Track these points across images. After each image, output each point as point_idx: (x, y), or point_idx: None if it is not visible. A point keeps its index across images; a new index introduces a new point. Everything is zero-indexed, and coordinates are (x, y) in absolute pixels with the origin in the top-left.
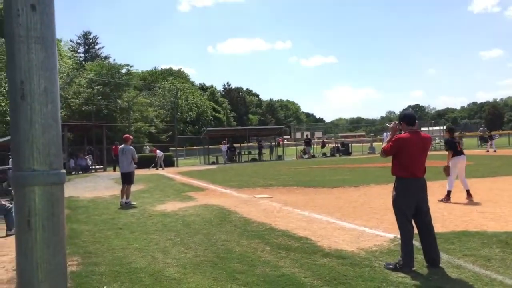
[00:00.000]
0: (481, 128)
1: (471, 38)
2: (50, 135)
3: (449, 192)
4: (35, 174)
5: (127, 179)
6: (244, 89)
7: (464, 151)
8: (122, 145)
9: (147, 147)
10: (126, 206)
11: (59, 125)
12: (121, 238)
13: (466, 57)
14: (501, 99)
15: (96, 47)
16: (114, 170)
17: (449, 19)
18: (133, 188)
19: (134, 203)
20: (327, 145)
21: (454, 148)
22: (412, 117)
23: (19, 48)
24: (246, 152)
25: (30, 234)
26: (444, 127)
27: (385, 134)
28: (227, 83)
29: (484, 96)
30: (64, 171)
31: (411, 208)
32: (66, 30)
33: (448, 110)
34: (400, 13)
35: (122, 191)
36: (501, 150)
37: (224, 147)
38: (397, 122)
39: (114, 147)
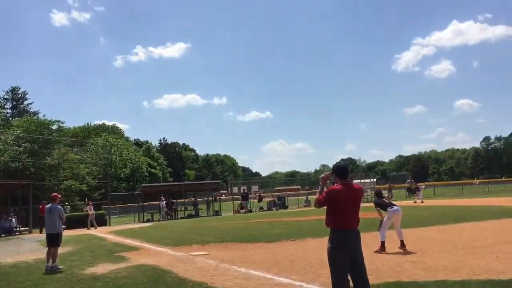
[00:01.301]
0: (408, 180)
1: (395, 95)
2: None
3: (382, 243)
4: None
5: (53, 240)
6: (181, 144)
7: (394, 202)
8: (49, 204)
9: (68, 206)
10: (52, 270)
11: None
12: None
13: (392, 113)
14: (425, 152)
15: (25, 102)
16: (41, 231)
17: (375, 77)
18: (61, 250)
19: (61, 267)
20: (264, 199)
21: (383, 205)
22: (345, 169)
23: None
24: (183, 208)
25: None
26: (374, 179)
27: (320, 182)
28: (163, 138)
29: (410, 149)
30: None
31: (346, 260)
32: None
33: (378, 163)
34: (330, 70)
35: (48, 254)
36: (427, 200)
37: (162, 203)
38: (327, 172)
39: (41, 206)
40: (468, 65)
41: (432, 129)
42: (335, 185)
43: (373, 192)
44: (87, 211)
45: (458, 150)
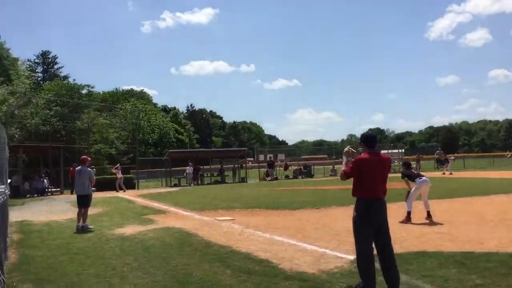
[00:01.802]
0: (438, 151)
1: (427, 64)
2: None
3: (409, 213)
4: None
5: (83, 201)
6: (208, 111)
7: (422, 173)
8: (79, 167)
9: (94, 169)
10: (83, 230)
11: None
12: (76, 263)
13: (423, 83)
14: (456, 123)
15: (55, 66)
16: (72, 193)
17: (407, 45)
18: (91, 211)
19: (91, 227)
20: (289, 168)
21: (411, 176)
22: (372, 138)
23: None
24: (209, 174)
25: None
26: (403, 150)
27: (344, 157)
28: (191, 105)
29: (440, 120)
30: None
31: (371, 229)
32: (25, 50)
33: (406, 134)
34: (362, 38)
35: (78, 215)
36: (456, 172)
37: (190, 169)
38: (349, 146)
39: (71, 169)
40: (505, 34)
41: (464, 99)
42: (363, 154)
43: (401, 163)
44: (115, 173)
45: (490, 121)
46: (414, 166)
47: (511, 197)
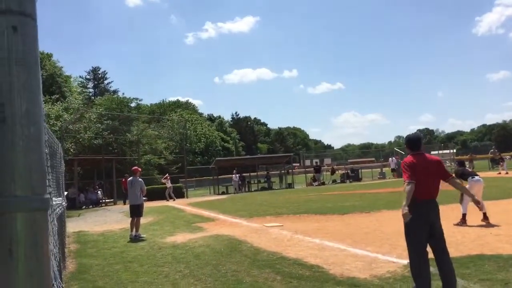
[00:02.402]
0: (492, 150)
1: (476, 60)
2: (33, 158)
3: (464, 215)
4: (17, 200)
5: (136, 211)
6: (252, 118)
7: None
8: (130, 178)
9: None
10: (136, 239)
11: (43, 147)
12: (130, 271)
13: (473, 80)
14: (510, 120)
15: (105, 81)
16: (124, 203)
17: (453, 42)
18: (143, 220)
19: (144, 235)
20: (336, 172)
21: (465, 175)
22: (416, 140)
23: (0, 70)
24: (256, 181)
25: (11, 264)
26: (454, 150)
27: (390, 159)
28: (235, 113)
29: (493, 118)
30: (48, 196)
31: (423, 231)
32: (76, 66)
33: (457, 133)
34: (405, 37)
35: (131, 224)
36: None
37: (235, 177)
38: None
39: (123, 180)
40: None
41: None
42: (407, 157)
43: (453, 163)
44: (164, 183)
45: None
46: (467, 166)
47: None
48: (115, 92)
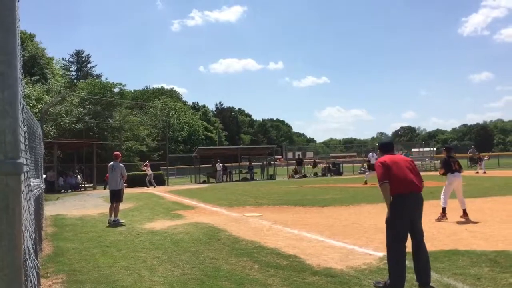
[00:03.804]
0: (471, 150)
1: (461, 60)
2: (6, 122)
3: (443, 209)
4: None
5: (116, 196)
6: (236, 108)
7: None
8: (111, 162)
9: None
10: (114, 224)
11: (17, 111)
12: (108, 256)
13: (456, 80)
14: (491, 121)
15: (89, 65)
16: (105, 188)
17: (439, 41)
18: (122, 206)
19: (123, 221)
20: (318, 165)
21: (447, 166)
22: (387, 144)
23: None
24: (237, 172)
25: None
26: (435, 149)
27: (370, 154)
28: (220, 102)
29: (474, 118)
30: (21, 161)
31: (405, 225)
32: (59, 49)
33: (438, 132)
34: (392, 34)
35: (110, 209)
36: (490, 171)
37: (218, 166)
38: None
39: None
40: None
41: (499, 97)
42: (380, 157)
43: (433, 161)
44: (144, 170)
45: None
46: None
47: None
48: (98, 76)
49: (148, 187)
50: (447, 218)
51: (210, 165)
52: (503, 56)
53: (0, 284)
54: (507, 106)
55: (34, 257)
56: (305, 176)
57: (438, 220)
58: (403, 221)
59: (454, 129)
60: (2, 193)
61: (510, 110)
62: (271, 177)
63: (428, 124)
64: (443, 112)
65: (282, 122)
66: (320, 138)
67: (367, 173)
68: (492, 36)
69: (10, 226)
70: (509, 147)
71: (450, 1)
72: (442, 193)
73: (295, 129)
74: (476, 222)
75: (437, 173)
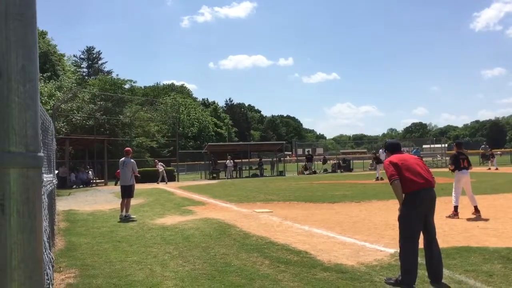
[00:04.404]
0: (483, 146)
1: (473, 56)
2: (28, 115)
3: (455, 207)
4: (10, 156)
5: (127, 192)
6: (246, 105)
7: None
8: (123, 158)
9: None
10: (126, 219)
11: (37, 105)
12: (120, 251)
13: (468, 75)
14: (503, 117)
15: (99, 62)
16: (116, 184)
17: (451, 37)
18: (133, 202)
19: (134, 216)
20: (328, 161)
21: (456, 163)
22: (394, 145)
23: None
24: (247, 168)
25: (3, 219)
26: (446, 145)
27: (381, 150)
28: (229, 99)
29: (485, 114)
30: (41, 154)
31: (418, 221)
32: (70, 46)
33: (450, 128)
34: (402, 30)
35: (121, 205)
36: (503, 167)
37: (229, 162)
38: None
39: (118, 171)
40: None
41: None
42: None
43: (444, 158)
44: (158, 169)
45: None
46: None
47: None
48: (109, 73)
49: (158, 183)
50: (458, 217)
51: (210, 161)
52: None
53: (21, 275)
54: None
55: (49, 251)
56: (315, 172)
57: (450, 217)
58: (416, 218)
59: (465, 125)
60: (24, 185)
61: None
62: (281, 173)
63: (439, 120)
64: (454, 108)
65: (292, 118)
66: (330, 135)
67: (378, 169)
68: (505, 31)
69: (31, 219)
70: None
71: None
72: (453, 191)
73: (305, 125)
74: (487, 219)
75: (448, 169)
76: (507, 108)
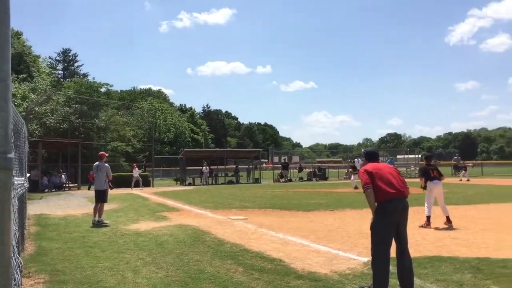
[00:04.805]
0: (455, 157)
1: (447, 69)
2: (0, 116)
3: (428, 217)
4: None
5: (100, 197)
6: (223, 111)
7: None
8: (97, 162)
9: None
10: (98, 224)
11: (10, 106)
12: (91, 256)
13: (443, 88)
14: (475, 130)
15: (76, 64)
16: (89, 188)
17: (427, 50)
18: (107, 207)
19: (107, 221)
20: (304, 170)
21: (426, 175)
22: (372, 153)
23: None
24: (223, 174)
25: None
26: (420, 155)
27: (356, 159)
28: (207, 105)
29: (458, 126)
30: (12, 156)
31: (390, 230)
32: (46, 47)
33: (423, 139)
34: (380, 41)
35: (95, 209)
36: (474, 179)
37: (205, 169)
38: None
39: (91, 173)
40: None
41: (484, 106)
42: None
43: (417, 168)
44: (133, 174)
45: (510, 129)
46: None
47: None
48: (85, 76)
49: (132, 188)
50: (431, 227)
51: (178, 167)
52: (488, 66)
53: None
54: (491, 115)
55: (17, 255)
56: (290, 180)
57: (423, 227)
58: (388, 227)
59: (439, 137)
60: None
61: (494, 119)
62: (257, 181)
63: (413, 131)
64: (428, 120)
65: (269, 126)
66: (306, 143)
67: (352, 178)
68: (478, 46)
69: (1, 220)
70: (492, 155)
71: (438, 10)
72: (425, 202)
73: (282, 133)
74: (459, 229)
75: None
76: (479, 121)
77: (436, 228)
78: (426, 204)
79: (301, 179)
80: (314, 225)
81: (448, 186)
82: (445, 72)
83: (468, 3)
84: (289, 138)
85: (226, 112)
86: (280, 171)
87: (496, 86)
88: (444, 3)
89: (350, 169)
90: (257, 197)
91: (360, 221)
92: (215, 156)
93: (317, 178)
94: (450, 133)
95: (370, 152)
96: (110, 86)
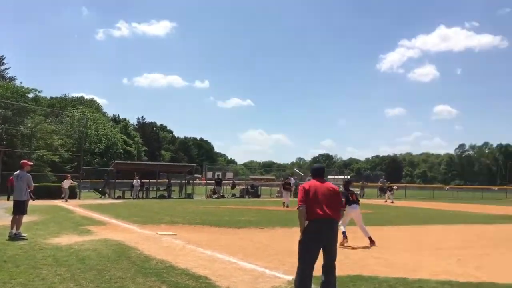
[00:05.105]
0: (381, 180)
1: (377, 94)
2: None
3: (344, 233)
4: None
5: (19, 208)
6: (158, 124)
7: (363, 200)
8: (17, 171)
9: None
10: (15, 237)
11: None
12: (4, 271)
13: (373, 112)
14: (400, 154)
15: (2, 67)
16: (8, 199)
17: (359, 74)
18: (27, 219)
19: (25, 234)
20: (237, 186)
21: (346, 198)
22: (317, 169)
23: None
24: (155, 188)
25: None
26: (348, 176)
27: (291, 178)
28: (142, 117)
29: (386, 150)
30: None
31: (315, 249)
32: None
33: (353, 161)
34: (315, 62)
35: (12, 221)
36: (398, 201)
37: (136, 182)
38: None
39: (10, 178)
40: (451, 71)
41: (410, 132)
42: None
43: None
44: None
45: (432, 154)
46: (358, 192)
47: (447, 227)
48: (11, 79)
49: (66, 200)
50: (347, 243)
51: (103, 179)
52: (414, 94)
53: None
54: (415, 141)
55: None
56: (223, 196)
57: (342, 244)
58: (313, 246)
59: (367, 159)
60: None
61: (418, 145)
62: (189, 196)
63: (344, 153)
64: (359, 142)
65: (205, 141)
66: (241, 160)
67: (285, 196)
68: (406, 74)
69: None
70: (415, 179)
71: (371, 37)
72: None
73: (217, 149)
74: (381, 249)
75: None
76: (405, 146)
77: (359, 248)
78: (340, 223)
79: (233, 195)
80: (243, 242)
81: (373, 207)
82: (376, 97)
83: (399, 34)
84: (224, 154)
85: (161, 125)
86: (213, 187)
87: (421, 114)
88: (377, 31)
89: (283, 188)
90: (188, 212)
91: (289, 239)
92: (147, 169)
93: (250, 195)
94: (377, 156)
95: (315, 168)
96: (39, 91)
